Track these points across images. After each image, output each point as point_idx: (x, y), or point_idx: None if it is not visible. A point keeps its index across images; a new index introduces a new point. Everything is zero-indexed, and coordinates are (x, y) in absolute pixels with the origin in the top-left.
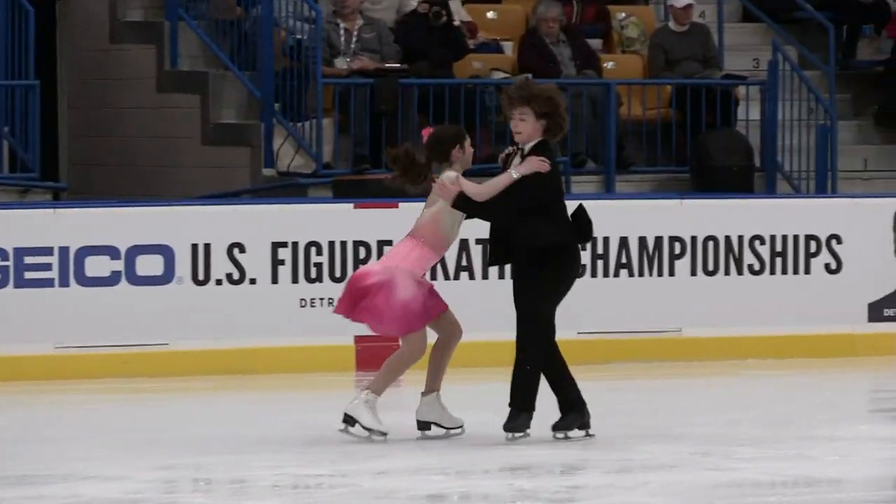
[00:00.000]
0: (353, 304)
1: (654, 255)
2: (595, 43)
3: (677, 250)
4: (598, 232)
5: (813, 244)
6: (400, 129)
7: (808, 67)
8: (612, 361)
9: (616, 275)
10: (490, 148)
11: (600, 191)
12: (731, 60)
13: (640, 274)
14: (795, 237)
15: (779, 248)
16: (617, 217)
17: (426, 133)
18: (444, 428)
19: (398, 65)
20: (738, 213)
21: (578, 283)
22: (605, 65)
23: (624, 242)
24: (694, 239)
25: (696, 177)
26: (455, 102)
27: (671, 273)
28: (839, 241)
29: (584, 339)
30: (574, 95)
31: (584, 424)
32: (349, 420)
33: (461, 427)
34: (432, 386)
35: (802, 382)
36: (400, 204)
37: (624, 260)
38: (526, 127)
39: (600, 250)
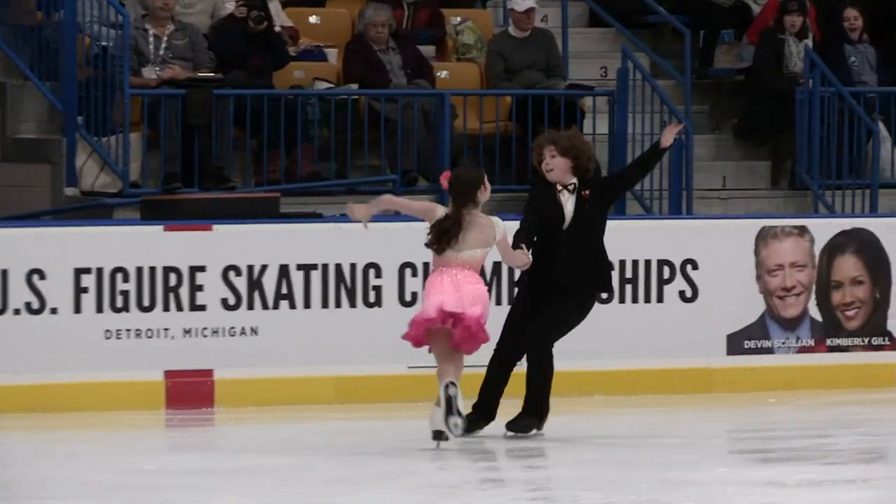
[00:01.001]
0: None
1: (492, 282)
2: (428, 50)
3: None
4: (430, 256)
5: (666, 270)
6: (215, 144)
7: (661, 76)
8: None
9: None
10: (313, 164)
11: None
12: (577, 69)
13: None
14: (647, 262)
15: (629, 274)
16: None
17: (445, 178)
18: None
19: (212, 74)
20: None
21: (407, 314)
22: (438, 74)
23: None
24: None
25: None
26: (275, 115)
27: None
28: (695, 267)
29: (416, 373)
30: (404, 107)
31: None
32: (438, 435)
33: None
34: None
35: (655, 421)
36: (214, 226)
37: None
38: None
39: None
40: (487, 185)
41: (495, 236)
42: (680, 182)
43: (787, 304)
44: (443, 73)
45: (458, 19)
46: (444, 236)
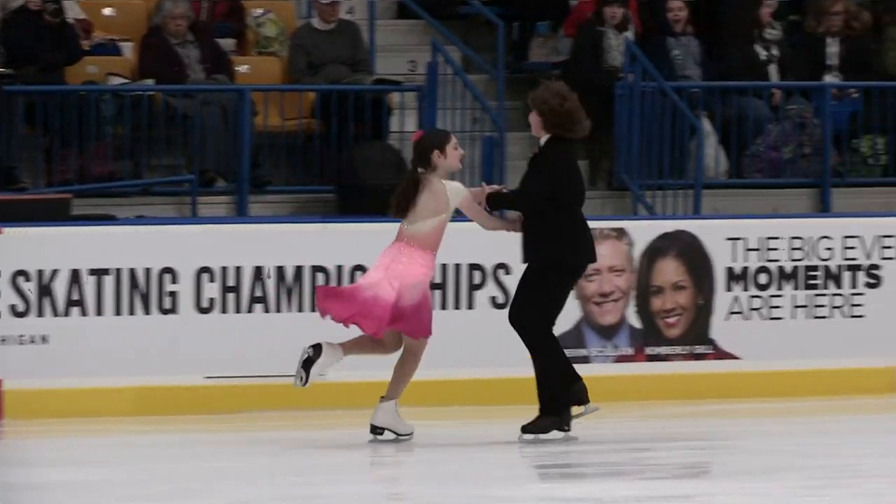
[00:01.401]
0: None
1: (294, 288)
2: (227, 43)
3: (321, 281)
4: (229, 261)
5: (477, 275)
6: (4, 143)
7: (473, 71)
8: (243, 410)
9: (250, 310)
10: (106, 164)
11: (231, 214)
12: (385, 63)
13: (278, 309)
14: (457, 266)
15: (438, 279)
16: (251, 244)
17: (414, 138)
18: (395, 434)
19: (2, 69)
20: (391, 238)
21: (204, 321)
22: (238, 68)
23: (259, 273)
24: (340, 269)
25: (342, 197)
26: (67, 112)
27: (313, 309)
28: (507, 272)
29: (212, 384)
30: (203, 103)
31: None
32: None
33: (411, 434)
34: (392, 394)
35: (470, 434)
36: (3, 229)
37: (259, 293)
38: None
39: (232, 282)
40: (452, 151)
41: (449, 204)
42: (491, 182)
43: (604, 311)
44: (243, 68)
45: (260, 11)
46: (399, 199)
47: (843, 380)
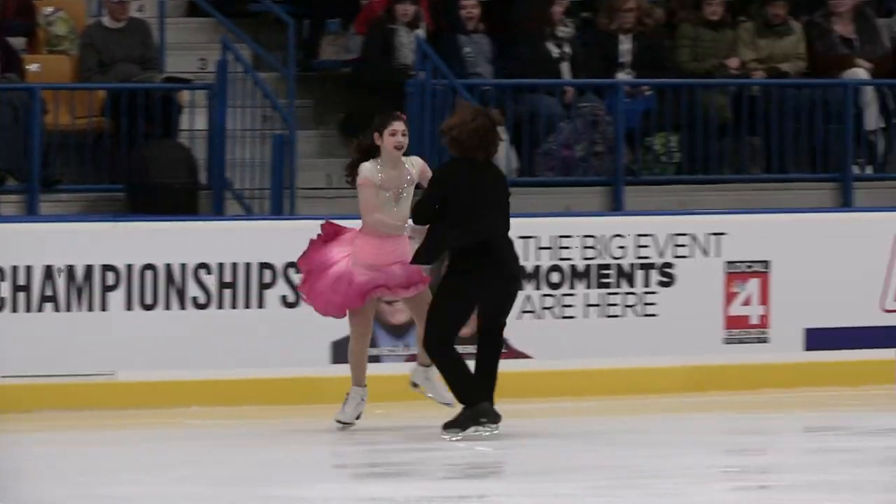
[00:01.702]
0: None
1: (84, 287)
2: (18, 42)
3: (110, 281)
4: (20, 260)
5: (268, 273)
6: None
7: (264, 69)
8: (38, 409)
9: (40, 309)
10: None
11: (22, 213)
12: (175, 61)
13: (68, 308)
14: (248, 265)
15: (228, 277)
16: (41, 243)
17: None
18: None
19: None
20: (181, 237)
21: None
22: (28, 67)
23: (49, 272)
24: (130, 268)
25: (132, 196)
26: None
27: (103, 308)
28: (298, 271)
29: (5, 383)
30: None
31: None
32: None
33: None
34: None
35: (258, 433)
36: None
37: (49, 292)
38: None
39: (22, 281)
40: (387, 136)
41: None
42: (282, 181)
43: (395, 311)
44: (33, 66)
45: (50, 9)
46: None
47: (637, 379)
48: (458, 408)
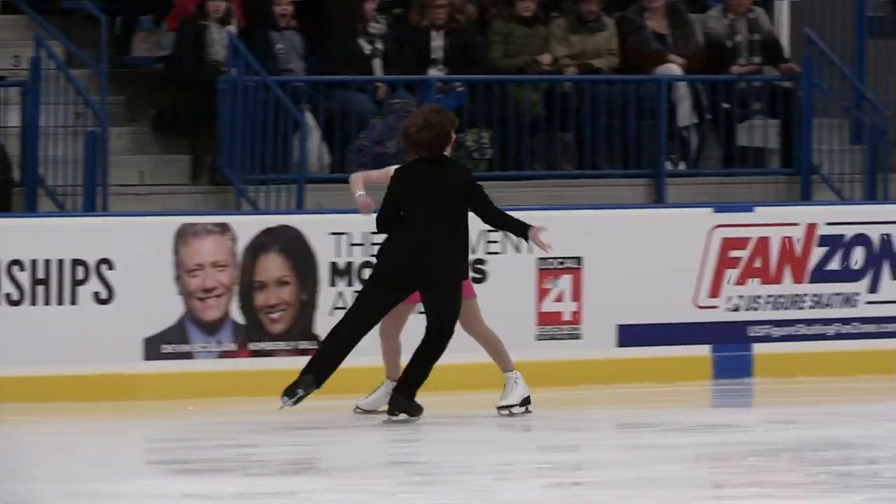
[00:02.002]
0: None
1: None
2: None
3: None
4: None
5: (80, 270)
6: None
7: (76, 65)
8: None
9: None
10: None
11: None
12: None
13: None
14: (60, 262)
15: (41, 274)
16: None
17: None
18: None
19: None
20: None
21: None
22: None
23: None
24: None
25: None
26: None
27: None
28: (111, 267)
29: None
30: None
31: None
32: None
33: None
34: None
35: (70, 431)
36: None
37: None
38: None
39: None
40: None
41: None
42: (94, 177)
43: (207, 307)
44: None
45: None
46: None
47: (449, 374)
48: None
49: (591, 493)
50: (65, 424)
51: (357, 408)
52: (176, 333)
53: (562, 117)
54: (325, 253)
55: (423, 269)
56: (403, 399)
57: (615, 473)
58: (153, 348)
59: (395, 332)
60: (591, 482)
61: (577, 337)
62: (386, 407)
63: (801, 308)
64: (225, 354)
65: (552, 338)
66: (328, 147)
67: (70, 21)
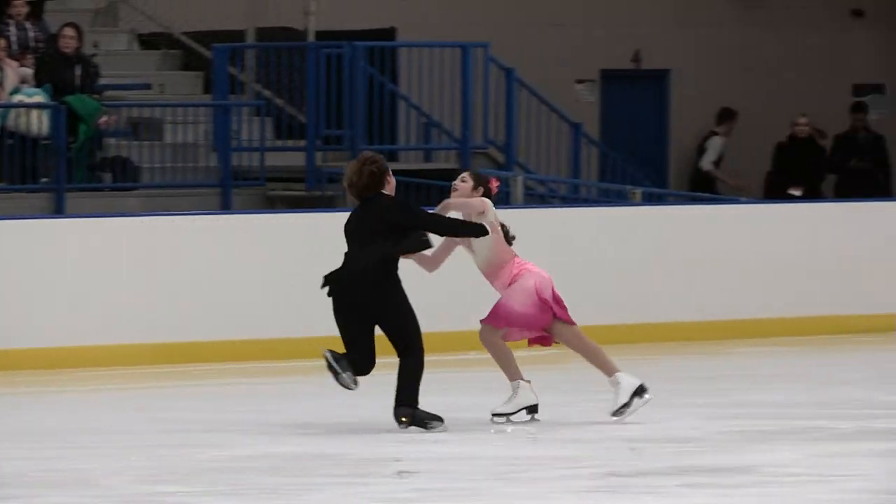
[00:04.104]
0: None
1: None
2: None
3: None
4: None
5: None
6: None
7: None
8: None
9: None
10: None
11: None
12: None
13: None
14: None
15: None
16: None
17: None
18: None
19: None
20: None
21: None
22: None
23: None
24: None
25: None
26: None
27: None
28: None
29: None
30: None
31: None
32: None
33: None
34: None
35: None
36: None
37: None
38: None
39: None
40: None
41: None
42: None
43: None
44: None
45: None
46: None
47: None
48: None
49: None
50: None
51: (493, 414)
52: None
53: None
54: None
55: (359, 298)
56: (409, 409)
57: None
58: None
59: (494, 339)
60: None
61: None
62: (522, 410)
63: None
64: None
65: None
66: None
67: None
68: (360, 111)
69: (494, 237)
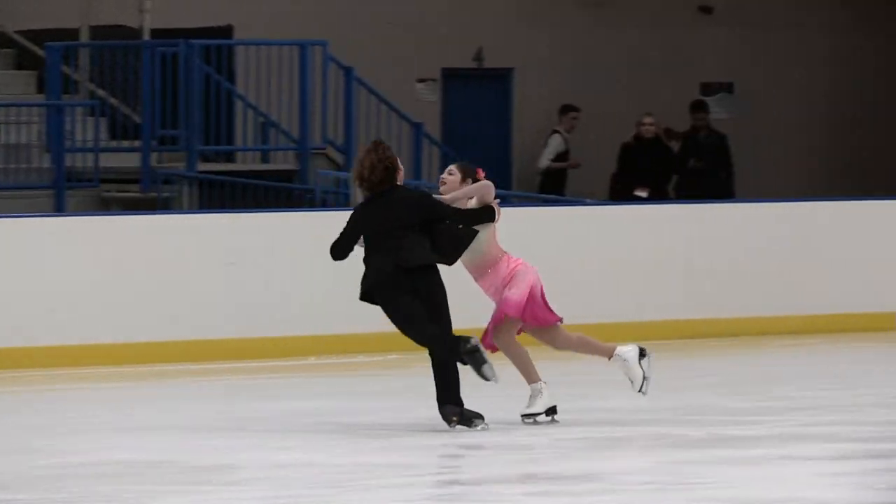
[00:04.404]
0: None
1: None
2: None
3: None
4: None
5: None
6: None
7: None
8: None
9: None
10: None
11: None
12: None
13: None
14: None
15: None
16: None
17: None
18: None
19: None
20: None
21: None
22: None
23: None
24: None
25: None
26: None
27: None
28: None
29: None
30: None
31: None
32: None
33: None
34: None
35: None
36: None
37: None
38: None
39: None
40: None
41: None
42: None
43: None
44: None
45: None
46: None
47: None
48: None
49: None
50: None
51: (523, 416)
52: None
53: None
54: None
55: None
56: (454, 407)
57: None
58: None
59: (511, 341)
60: None
61: None
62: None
63: None
64: None
65: None
66: None
67: None
68: (196, 111)
69: (490, 228)
